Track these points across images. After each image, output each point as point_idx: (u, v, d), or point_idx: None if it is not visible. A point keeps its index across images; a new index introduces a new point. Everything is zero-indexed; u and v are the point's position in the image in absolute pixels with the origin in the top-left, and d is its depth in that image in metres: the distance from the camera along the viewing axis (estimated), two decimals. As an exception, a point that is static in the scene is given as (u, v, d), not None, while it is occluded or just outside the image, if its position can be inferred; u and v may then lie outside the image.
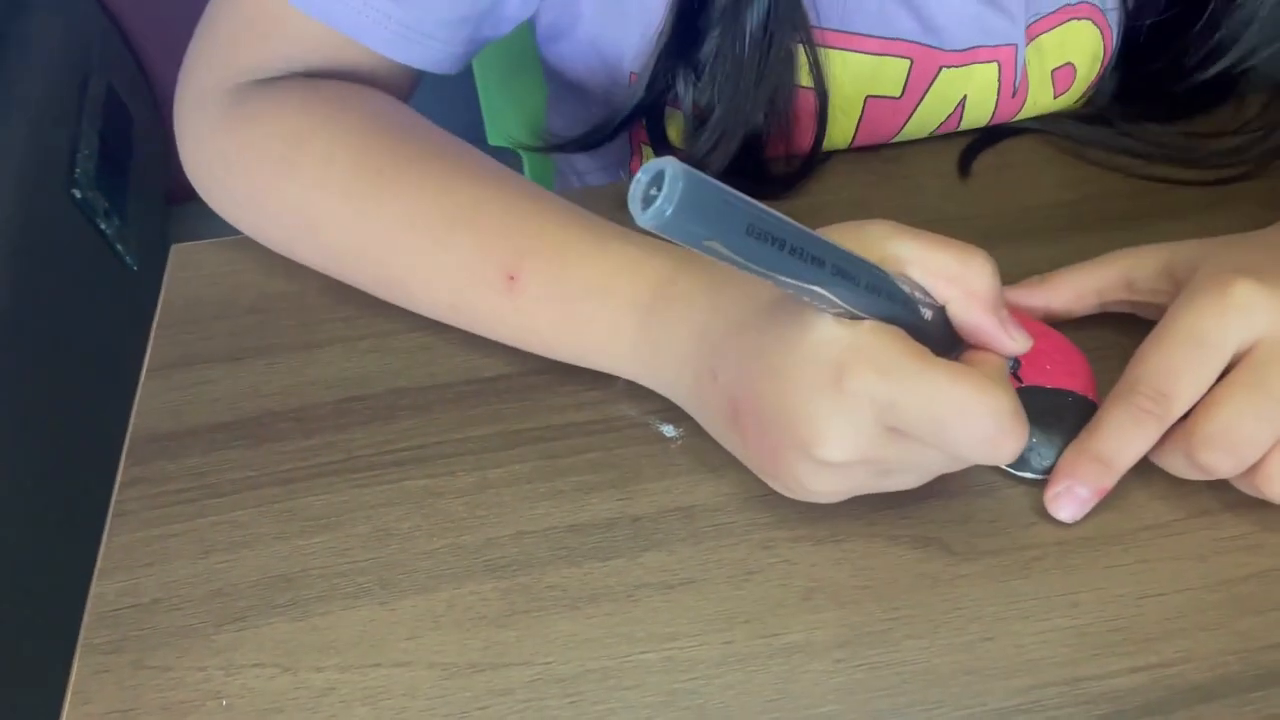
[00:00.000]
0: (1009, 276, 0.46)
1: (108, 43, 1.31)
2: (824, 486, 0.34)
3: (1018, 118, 0.54)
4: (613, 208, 0.41)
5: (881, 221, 0.34)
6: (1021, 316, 0.41)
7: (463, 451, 0.40)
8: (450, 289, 0.41)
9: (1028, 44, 0.52)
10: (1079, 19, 0.52)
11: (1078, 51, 0.53)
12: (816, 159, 0.50)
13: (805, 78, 0.49)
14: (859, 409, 0.31)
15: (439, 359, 0.43)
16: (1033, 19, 0.51)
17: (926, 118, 0.53)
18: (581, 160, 0.67)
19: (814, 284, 0.30)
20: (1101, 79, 0.55)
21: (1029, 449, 0.37)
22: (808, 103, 0.50)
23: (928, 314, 0.33)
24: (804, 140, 0.51)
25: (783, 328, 0.33)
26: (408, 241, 0.41)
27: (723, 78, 0.45)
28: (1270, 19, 0.49)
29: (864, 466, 0.33)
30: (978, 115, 0.53)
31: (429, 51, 0.47)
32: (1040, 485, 0.37)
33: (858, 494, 0.35)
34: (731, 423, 0.36)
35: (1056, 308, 0.42)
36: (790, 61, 0.47)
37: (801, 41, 0.47)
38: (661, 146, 0.51)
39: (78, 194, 1.11)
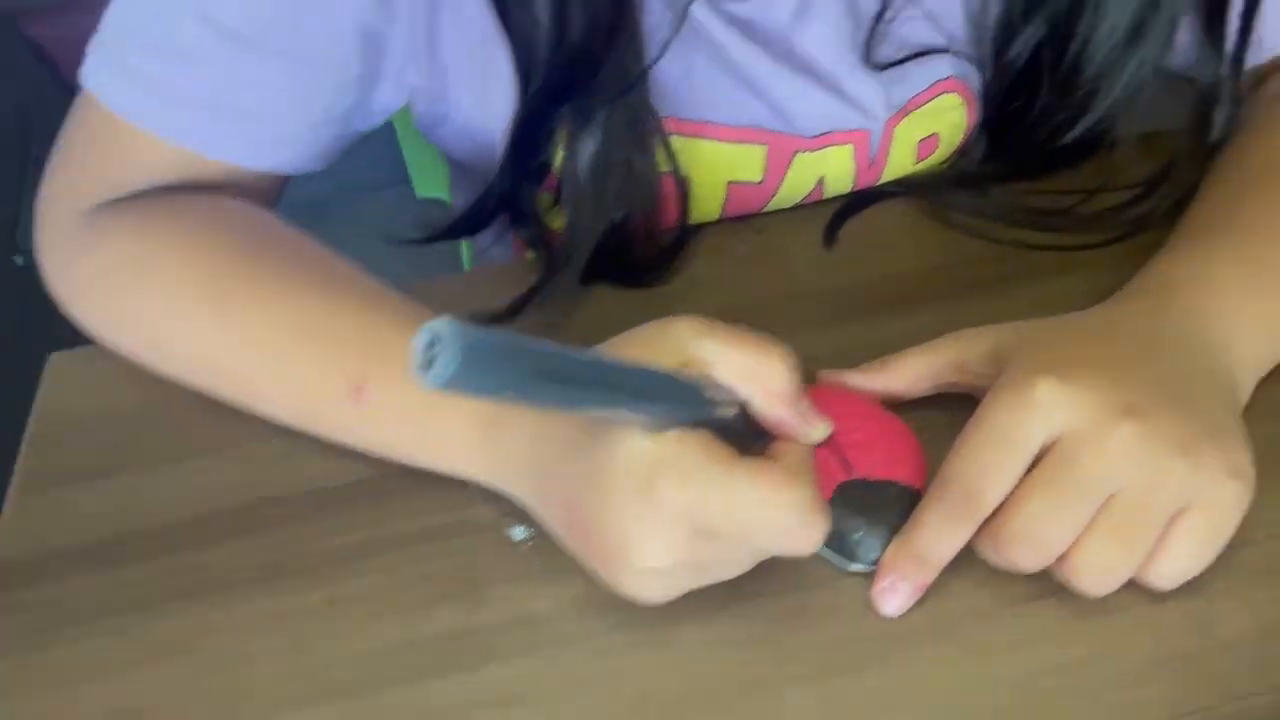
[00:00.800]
0: (867, 352, 0.48)
1: (52, 109, 1.31)
2: (650, 592, 0.35)
3: (881, 181, 0.55)
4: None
5: (685, 321, 0.35)
6: (858, 399, 0.42)
7: (317, 565, 0.41)
8: (299, 402, 0.42)
9: (900, 121, 0.53)
10: (947, 93, 0.53)
11: (943, 122, 0.54)
12: (683, 242, 0.51)
13: (666, 164, 0.50)
14: (668, 518, 0.33)
15: (301, 464, 0.44)
16: (906, 99, 0.53)
17: (788, 196, 0.54)
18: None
19: (613, 410, 0.32)
20: (969, 143, 0.56)
21: (856, 542, 0.38)
22: (671, 188, 0.51)
23: (732, 412, 0.35)
24: (670, 222, 0.52)
25: (597, 443, 0.34)
26: (254, 358, 0.42)
27: (569, 191, 0.46)
28: (1130, 79, 0.50)
29: (683, 568, 0.34)
30: (838, 189, 0.55)
31: (288, 156, 0.48)
32: (870, 577, 0.38)
33: (688, 590, 0.36)
34: (567, 530, 0.37)
35: (896, 390, 0.43)
36: (644, 177, 0.48)
37: (654, 133, 0.48)
38: (529, 230, 0.52)
39: (19, 260, 1.12)
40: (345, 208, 1.32)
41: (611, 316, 0.51)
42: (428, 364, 0.27)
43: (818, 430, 0.35)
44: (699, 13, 0.48)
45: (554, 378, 0.30)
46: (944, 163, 0.56)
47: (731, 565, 0.36)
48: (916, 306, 0.49)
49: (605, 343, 0.37)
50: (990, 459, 0.36)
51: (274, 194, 0.51)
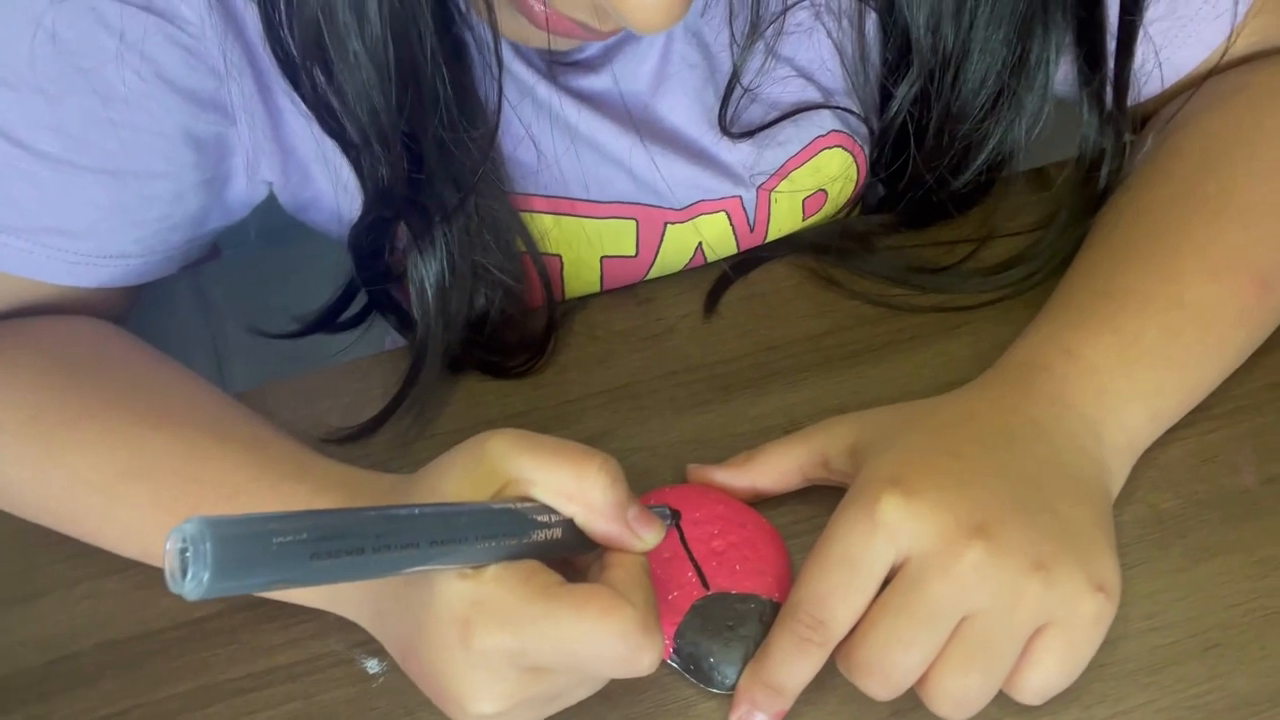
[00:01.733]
0: (746, 431, 0.46)
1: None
2: (499, 710, 0.33)
3: (766, 242, 0.53)
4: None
5: (499, 437, 0.33)
6: (723, 499, 0.41)
7: (163, 714, 0.39)
8: (134, 543, 0.41)
9: (779, 183, 0.51)
10: (829, 148, 0.51)
11: (828, 178, 0.52)
12: (553, 327, 0.49)
13: (524, 248, 0.48)
14: (493, 663, 0.32)
15: (152, 600, 0.42)
16: (781, 162, 0.50)
17: (668, 265, 0.52)
18: None
19: (414, 566, 0.30)
20: (859, 195, 0.54)
21: (711, 666, 0.36)
22: (541, 269, 0.49)
23: (557, 533, 0.33)
24: (540, 303, 0.50)
25: (416, 587, 0.33)
26: (84, 499, 0.40)
27: (415, 300, 0.44)
28: (1009, 129, 0.47)
29: (523, 706, 0.33)
30: (721, 254, 0.52)
31: (126, 270, 0.46)
32: (730, 698, 0.36)
33: (543, 707, 0.34)
34: (407, 669, 0.36)
35: (762, 487, 0.41)
36: (500, 272, 0.46)
37: (511, 225, 0.46)
38: (395, 319, 0.50)
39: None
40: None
41: (485, 404, 0.50)
42: (184, 570, 0.25)
43: (649, 539, 0.34)
44: (546, 94, 0.46)
45: (338, 554, 0.28)
46: (835, 216, 0.54)
47: (576, 691, 0.34)
48: (801, 378, 0.47)
49: (420, 473, 0.36)
50: (837, 583, 0.34)
51: (125, 303, 0.49)
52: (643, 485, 0.43)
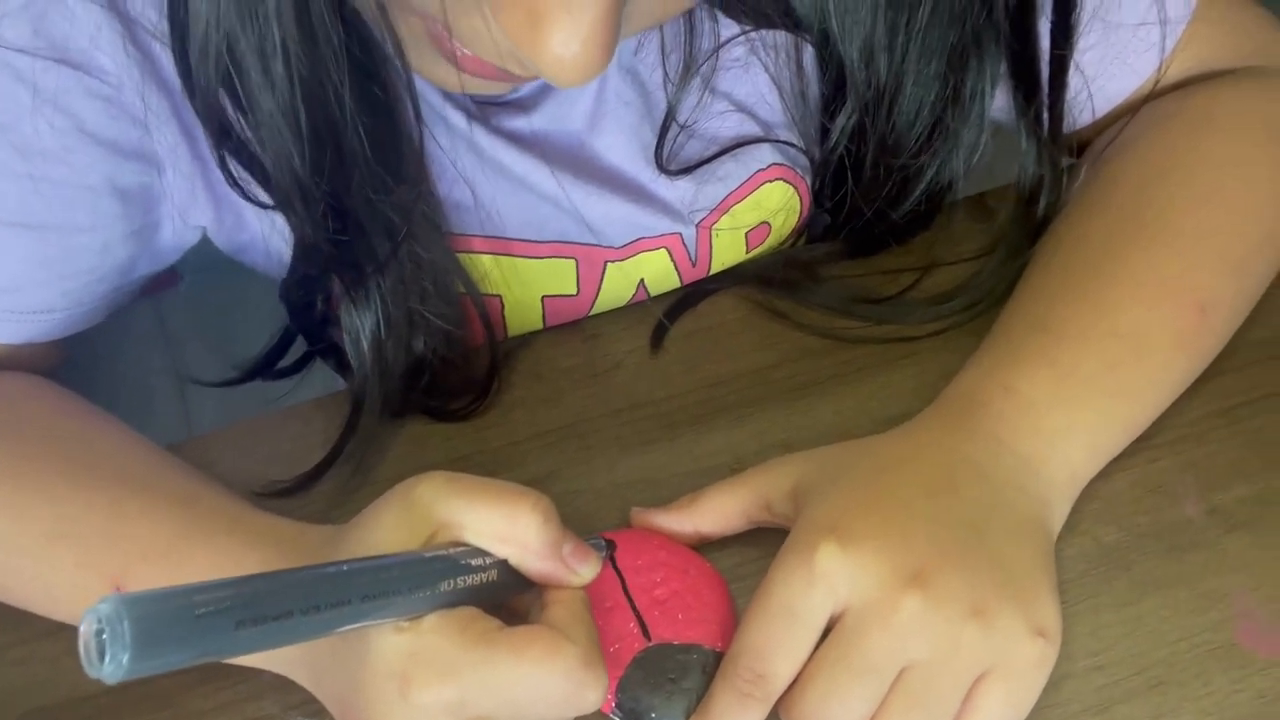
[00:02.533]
0: (691, 469, 0.45)
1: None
2: None
3: (710, 274, 0.53)
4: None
5: (428, 482, 0.33)
6: (666, 544, 0.40)
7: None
8: (61, 606, 0.40)
9: (720, 217, 0.50)
10: (770, 181, 0.51)
11: (771, 211, 0.52)
12: (495, 369, 0.48)
13: (462, 288, 0.47)
14: (434, 716, 0.31)
15: (79, 665, 0.41)
16: (720, 197, 0.50)
17: (610, 302, 0.52)
18: None
19: (347, 625, 0.29)
20: (803, 226, 0.53)
21: (653, 720, 0.36)
22: (480, 309, 0.48)
23: (493, 575, 0.33)
24: (480, 343, 0.49)
25: (352, 643, 0.32)
26: (11, 562, 0.39)
27: (350, 350, 0.43)
28: (946, 160, 0.47)
29: None
30: (664, 287, 0.52)
31: (52, 323, 0.45)
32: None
33: None
34: None
35: (706, 531, 0.40)
36: (436, 318, 0.45)
37: (448, 267, 0.45)
38: (333, 360, 0.49)
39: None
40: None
41: (428, 448, 0.49)
42: (102, 653, 0.24)
43: (585, 573, 0.34)
44: (479, 137, 0.45)
45: (265, 617, 0.27)
46: (780, 248, 0.53)
47: None
48: (747, 413, 0.47)
49: (351, 523, 0.35)
50: (776, 635, 0.33)
51: (55, 356, 0.48)
52: (587, 528, 0.42)
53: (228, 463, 0.46)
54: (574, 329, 0.52)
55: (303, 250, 0.42)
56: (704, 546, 0.41)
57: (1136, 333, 0.40)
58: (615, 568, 0.39)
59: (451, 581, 0.31)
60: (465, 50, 0.35)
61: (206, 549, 0.38)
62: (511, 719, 0.32)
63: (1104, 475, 0.41)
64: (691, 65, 0.44)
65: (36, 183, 0.41)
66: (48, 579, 0.39)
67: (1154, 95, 0.48)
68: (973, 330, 0.48)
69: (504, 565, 0.33)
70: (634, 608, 0.37)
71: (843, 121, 0.46)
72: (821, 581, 0.33)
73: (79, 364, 0.49)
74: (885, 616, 0.33)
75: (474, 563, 0.32)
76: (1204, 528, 0.40)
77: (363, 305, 0.42)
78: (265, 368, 0.49)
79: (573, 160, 0.47)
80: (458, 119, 0.45)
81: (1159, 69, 0.46)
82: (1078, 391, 0.39)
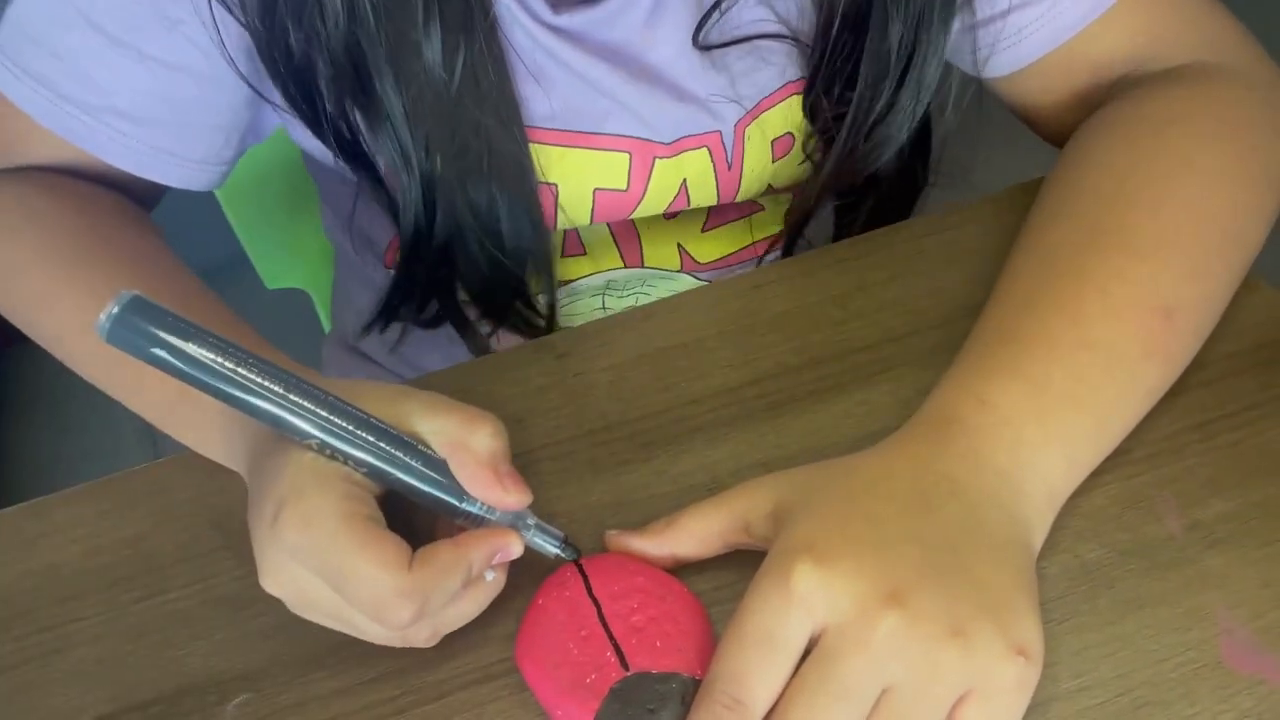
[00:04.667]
0: (668, 491, 0.45)
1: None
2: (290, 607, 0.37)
3: (740, 190, 0.56)
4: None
5: (417, 400, 0.37)
6: (642, 569, 0.39)
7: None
8: (100, 370, 0.46)
9: (752, 121, 0.54)
10: (797, 93, 0.54)
11: (793, 123, 0.55)
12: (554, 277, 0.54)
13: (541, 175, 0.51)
14: (282, 551, 0.35)
15: (38, 700, 0.39)
16: (755, 100, 0.54)
17: (654, 203, 0.55)
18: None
19: (264, 404, 0.35)
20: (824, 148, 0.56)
21: (631, 753, 0.35)
22: (542, 194, 0.52)
23: (422, 465, 0.36)
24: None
25: (283, 455, 0.36)
26: (69, 353, 0.47)
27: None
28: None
29: (304, 604, 0.36)
30: (701, 193, 0.56)
31: (168, 166, 0.50)
32: (657, 784, 0.35)
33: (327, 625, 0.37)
34: None
35: (683, 555, 0.39)
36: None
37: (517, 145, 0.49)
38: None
39: None
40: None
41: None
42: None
43: (513, 495, 0.37)
44: (545, 38, 0.49)
45: (207, 347, 0.34)
46: (800, 163, 0.57)
47: (353, 621, 0.36)
48: (723, 433, 0.46)
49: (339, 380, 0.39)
50: (753, 660, 0.33)
51: (157, 197, 0.54)
52: (562, 553, 0.41)
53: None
54: (545, 347, 0.51)
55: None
56: (680, 570, 0.40)
57: (1104, 343, 0.40)
58: (591, 595, 0.38)
59: (380, 439, 0.36)
60: None
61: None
62: (333, 589, 0.35)
63: (1084, 491, 0.40)
64: None
65: (175, 26, 0.46)
66: (86, 303, 0.44)
67: (1105, 82, 0.50)
68: (951, 346, 0.47)
69: (441, 465, 0.37)
70: (610, 636, 0.36)
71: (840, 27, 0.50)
72: (799, 603, 0.33)
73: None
74: (863, 637, 0.32)
75: (409, 443, 0.36)
76: (1185, 544, 0.40)
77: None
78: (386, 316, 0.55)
79: (631, 57, 0.51)
80: (528, 17, 0.49)
81: (1088, 24, 0.49)
82: (1050, 404, 0.39)
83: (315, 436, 0.35)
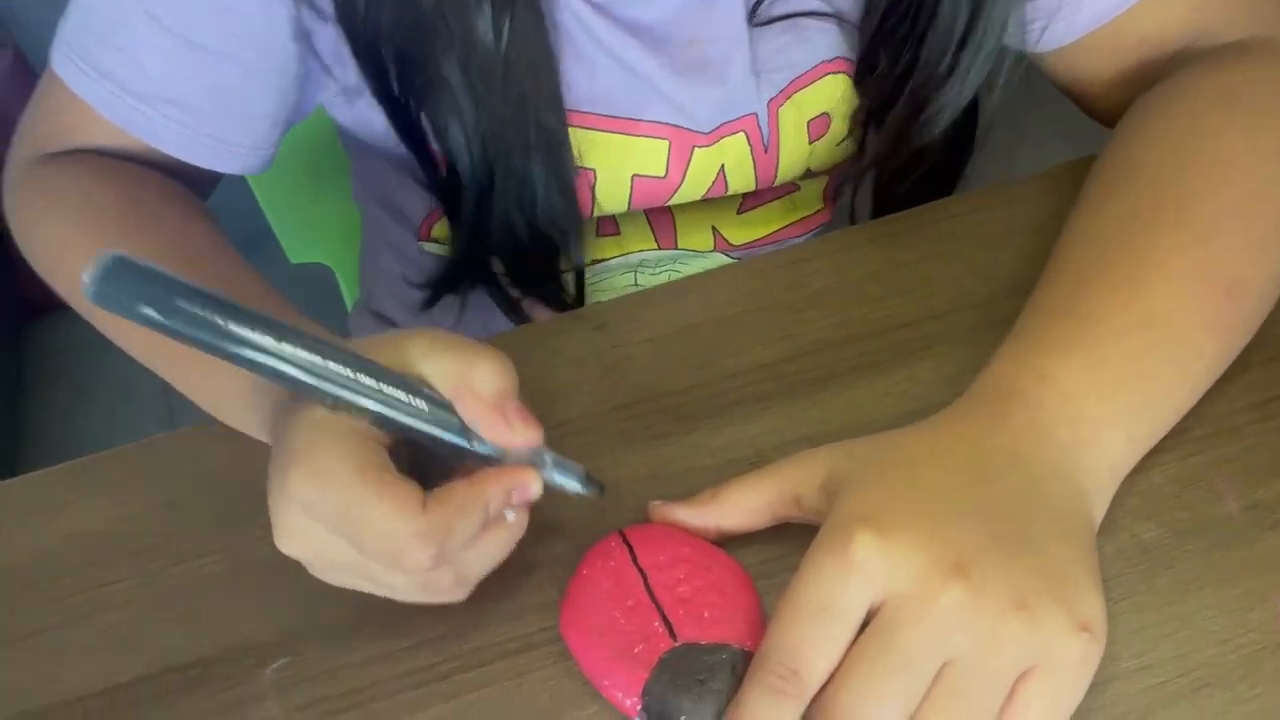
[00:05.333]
0: (708, 464, 0.44)
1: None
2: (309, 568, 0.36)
3: (779, 173, 0.56)
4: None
5: (420, 339, 0.36)
6: (688, 540, 0.38)
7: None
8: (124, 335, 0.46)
9: (786, 100, 0.54)
10: (833, 72, 0.54)
11: (831, 102, 0.54)
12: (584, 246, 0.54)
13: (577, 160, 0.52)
14: (296, 506, 0.34)
15: (69, 665, 0.39)
16: (788, 80, 0.53)
17: (692, 189, 0.55)
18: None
19: (274, 362, 0.33)
20: (860, 127, 0.55)
21: (679, 721, 0.34)
22: (580, 179, 0.52)
23: (423, 406, 0.35)
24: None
25: (290, 413, 0.35)
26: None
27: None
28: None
29: (322, 562, 0.35)
30: (739, 178, 0.56)
31: (216, 151, 0.50)
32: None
33: (351, 587, 0.36)
34: None
35: (729, 527, 0.38)
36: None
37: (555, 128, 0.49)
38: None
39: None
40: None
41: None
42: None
43: (520, 432, 0.35)
44: (589, 17, 0.49)
45: (195, 304, 0.32)
46: (839, 142, 0.56)
47: (377, 575, 0.35)
48: (763, 407, 0.45)
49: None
50: (811, 631, 0.32)
51: (212, 183, 0.54)
52: (601, 524, 0.40)
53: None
54: (582, 318, 0.50)
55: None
56: (724, 543, 0.39)
57: (1166, 319, 0.39)
58: (636, 565, 0.37)
59: (390, 386, 0.34)
60: None
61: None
62: (350, 542, 0.34)
63: (1141, 470, 0.39)
64: None
65: (228, 14, 0.46)
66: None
67: (1156, 60, 0.49)
68: (992, 323, 0.46)
69: (447, 406, 0.35)
70: (658, 606, 0.36)
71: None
72: (858, 573, 0.32)
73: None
74: (924, 609, 0.31)
75: (413, 386, 0.35)
76: (1243, 525, 0.39)
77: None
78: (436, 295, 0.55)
79: (675, 37, 0.50)
80: (580, 4, 0.49)
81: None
82: (1112, 380, 0.38)
83: (309, 384, 0.34)
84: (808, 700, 0.32)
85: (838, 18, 0.52)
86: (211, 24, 0.47)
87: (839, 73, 0.54)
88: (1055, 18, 0.49)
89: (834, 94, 0.54)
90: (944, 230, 0.52)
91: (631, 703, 0.34)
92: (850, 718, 0.31)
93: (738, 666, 0.34)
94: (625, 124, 0.52)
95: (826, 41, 0.53)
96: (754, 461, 0.42)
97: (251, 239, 0.82)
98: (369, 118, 0.52)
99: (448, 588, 0.35)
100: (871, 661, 0.31)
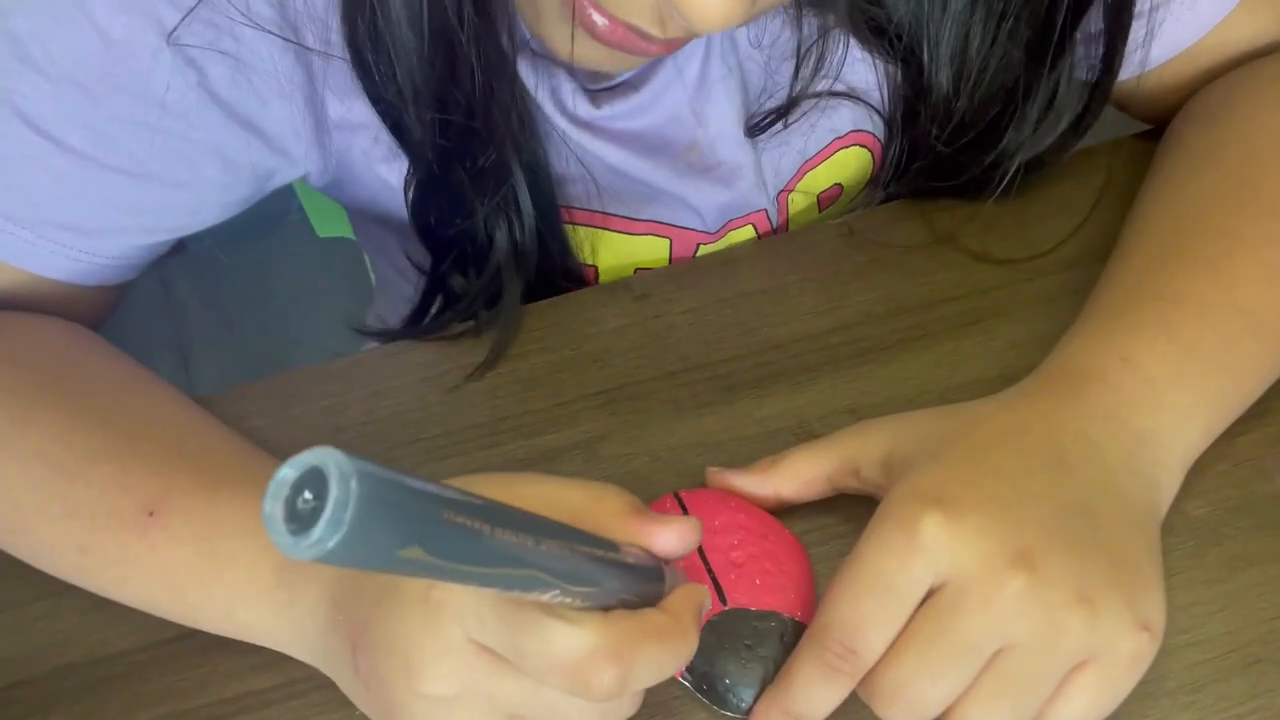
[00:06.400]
0: (754, 433, 0.44)
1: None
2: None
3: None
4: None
5: (620, 499, 0.30)
6: (743, 507, 0.38)
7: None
8: (82, 531, 0.36)
9: (794, 188, 0.51)
10: (846, 147, 0.50)
11: (845, 174, 0.51)
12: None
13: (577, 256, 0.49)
14: (445, 623, 0.28)
15: (113, 620, 0.39)
16: (795, 167, 0.51)
17: None
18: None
19: (528, 570, 0.24)
20: (876, 179, 0.53)
21: (727, 688, 0.34)
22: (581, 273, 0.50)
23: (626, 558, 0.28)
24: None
25: (372, 602, 0.31)
26: (41, 477, 0.37)
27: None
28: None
29: (471, 698, 0.29)
30: None
31: (122, 269, 0.45)
32: (751, 722, 0.34)
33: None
34: (354, 667, 0.32)
35: (787, 495, 0.38)
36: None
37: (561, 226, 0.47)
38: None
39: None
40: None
41: (475, 407, 0.47)
42: (303, 516, 0.18)
43: (683, 523, 0.29)
44: (579, 136, 0.46)
45: (466, 513, 0.21)
46: (850, 206, 0.53)
47: (535, 711, 0.29)
48: (808, 378, 0.45)
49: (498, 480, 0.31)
50: (870, 608, 0.31)
51: (115, 301, 0.48)
52: (645, 492, 0.40)
53: (260, 416, 0.45)
54: (621, 288, 0.50)
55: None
56: (778, 511, 0.39)
57: (1256, 311, 0.38)
58: (686, 529, 0.37)
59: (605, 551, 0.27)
60: (599, 17, 0.35)
61: (257, 490, 0.35)
62: (518, 667, 0.28)
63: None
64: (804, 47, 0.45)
65: (152, 133, 0.40)
66: (77, 496, 0.36)
67: (1221, 62, 0.47)
68: (1043, 297, 0.46)
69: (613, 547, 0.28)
70: (709, 569, 0.35)
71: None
72: (923, 554, 0.31)
73: None
74: (988, 595, 0.31)
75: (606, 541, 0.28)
76: (1293, 504, 0.38)
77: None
78: (411, 324, 0.49)
79: (675, 141, 0.47)
80: (574, 105, 0.46)
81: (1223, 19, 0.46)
82: (1198, 368, 0.37)
83: (579, 589, 0.26)
84: (860, 675, 0.32)
85: (850, 96, 0.49)
86: (125, 143, 0.41)
87: (853, 146, 0.51)
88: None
89: (847, 166, 0.52)
90: (991, 207, 0.51)
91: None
92: (900, 696, 0.31)
93: (786, 636, 0.34)
94: (621, 222, 0.50)
95: (837, 122, 0.50)
96: (799, 433, 0.42)
97: (280, 211, 0.82)
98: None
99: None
100: (928, 643, 0.31)
